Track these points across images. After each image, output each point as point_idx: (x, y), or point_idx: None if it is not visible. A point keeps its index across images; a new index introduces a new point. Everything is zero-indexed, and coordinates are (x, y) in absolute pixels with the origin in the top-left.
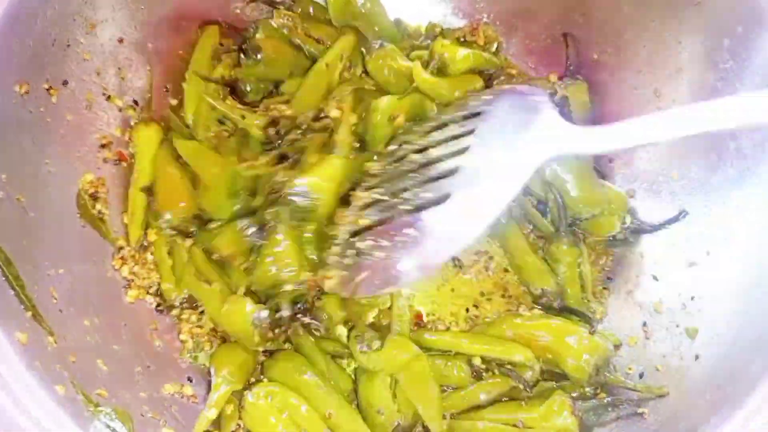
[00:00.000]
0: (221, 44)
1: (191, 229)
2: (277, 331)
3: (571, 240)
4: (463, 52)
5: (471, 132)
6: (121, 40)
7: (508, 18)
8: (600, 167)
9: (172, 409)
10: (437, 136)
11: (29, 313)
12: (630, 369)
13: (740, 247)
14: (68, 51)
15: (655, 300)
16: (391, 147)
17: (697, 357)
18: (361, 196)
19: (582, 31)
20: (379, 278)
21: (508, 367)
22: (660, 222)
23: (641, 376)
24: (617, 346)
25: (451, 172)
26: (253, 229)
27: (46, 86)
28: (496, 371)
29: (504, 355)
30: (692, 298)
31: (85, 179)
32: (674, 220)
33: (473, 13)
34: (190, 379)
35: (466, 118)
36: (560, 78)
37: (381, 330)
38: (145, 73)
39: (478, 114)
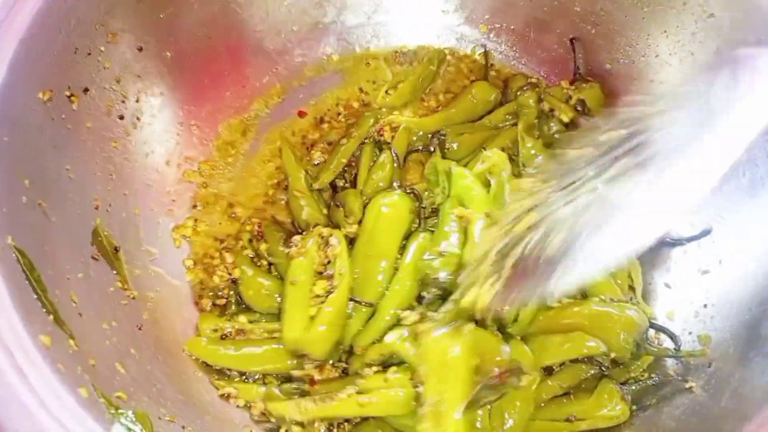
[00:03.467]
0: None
1: None
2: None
3: None
4: None
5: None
6: (140, 49)
7: (520, 28)
8: None
9: (189, 413)
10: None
11: (51, 317)
12: (644, 375)
13: (752, 255)
14: (89, 59)
15: (668, 308)
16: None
17: (710, 364)
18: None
19: (594, 42)
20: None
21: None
22: (683, 237)
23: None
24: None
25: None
26: None
27: (68, 93)
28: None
29: (578, 351)
30: (705, 306)
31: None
32: (698, 236)
33: (485, 24)
34: (202, 384)
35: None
36: (571, 83)
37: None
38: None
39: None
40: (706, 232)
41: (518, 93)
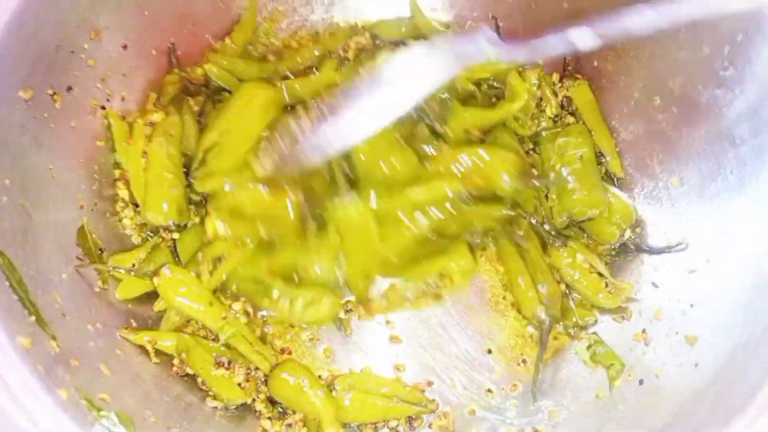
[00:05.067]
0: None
1: None
2: None
3: (561, 242)
4: None
5: None
6: (125, 47)
7: (509, 25)
8: (616, 178)
9: (174, 414)
10: None
11: (32, 318)
12: (630, 375)
13: (740, 254)
14: (72, 57)
15: (655, 307)
16: None
17: (696, 364)
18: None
19: None
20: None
21: None
22: (659, 247)
23: (641, 382)
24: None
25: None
26: None
27: (51, 92)
28: None
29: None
30: (692, 306)
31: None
32: (674, 248)
33: (474, 21)
34: (188, 385)
35: None
36: (561, 80)
37: None
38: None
39: None
40: (680, 245)
41: (520, 71)
